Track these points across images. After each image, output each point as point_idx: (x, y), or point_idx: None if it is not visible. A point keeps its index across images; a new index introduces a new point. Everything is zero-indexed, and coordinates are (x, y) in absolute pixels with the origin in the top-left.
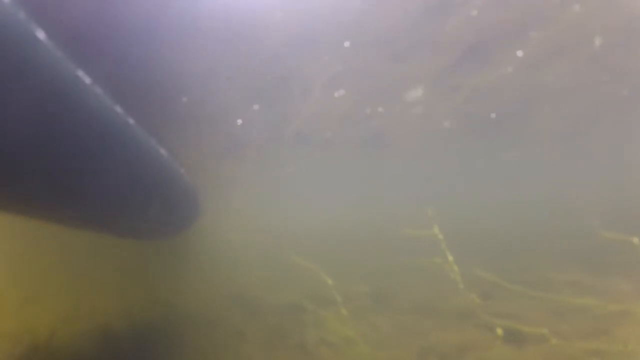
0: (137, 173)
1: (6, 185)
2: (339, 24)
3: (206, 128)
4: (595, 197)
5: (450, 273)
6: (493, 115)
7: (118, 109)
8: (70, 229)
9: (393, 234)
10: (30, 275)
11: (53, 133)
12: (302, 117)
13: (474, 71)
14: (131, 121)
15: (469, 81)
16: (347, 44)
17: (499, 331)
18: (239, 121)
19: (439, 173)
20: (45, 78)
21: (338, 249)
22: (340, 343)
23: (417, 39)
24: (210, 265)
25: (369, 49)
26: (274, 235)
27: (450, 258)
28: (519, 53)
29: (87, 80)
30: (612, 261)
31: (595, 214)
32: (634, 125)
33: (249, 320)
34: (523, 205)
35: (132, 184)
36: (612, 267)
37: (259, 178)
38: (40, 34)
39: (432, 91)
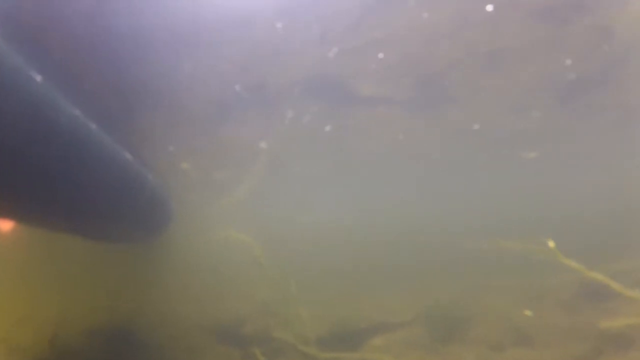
0: (101, 179)
1: None
2: None
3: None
4: None
5: None
6: None
7: (78, 113)
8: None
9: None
10: None
11: (15, 141)
12: None
13: None
14: (93, 126)
15: None
16: None
17: None
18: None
19: None
20: (6, 85)
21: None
22: None
23: None
24: (193, 280)
25: None
26: (281, 239)
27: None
28: None
29: (48, 86)
30: None
31: None
32: None
33: None
34: None
35: (97, 189)
36: None
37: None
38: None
39: None
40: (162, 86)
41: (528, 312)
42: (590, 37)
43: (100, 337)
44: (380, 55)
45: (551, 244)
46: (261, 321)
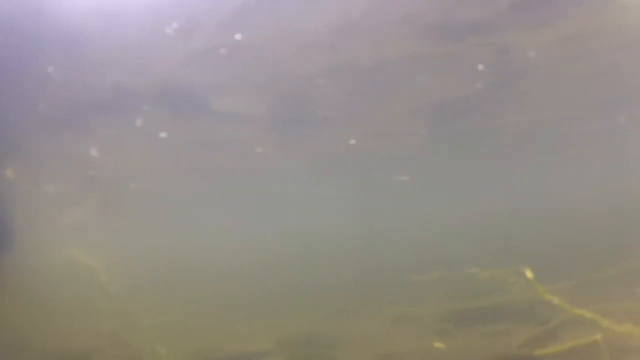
0: None
1: None
2: None
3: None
4: None
5: None
6: None
7: None
8: None
9: None
10: None
11: None
12: None
13: None
14: None
15: None
16: None
17: None
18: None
19: None
20: None
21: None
22: None
23: None
24: (34, 305)
25: None
26: (130, 264)
27: None
28: None
29: None
30: None
31: None
32: None
33: None
34: None
35: None
36: None
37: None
38: None
39: None
40: None
41: (439, 344)
42: (472, 61)
43: None
44: (236, 64)
45: (529, 274)
46: (110, 353)
